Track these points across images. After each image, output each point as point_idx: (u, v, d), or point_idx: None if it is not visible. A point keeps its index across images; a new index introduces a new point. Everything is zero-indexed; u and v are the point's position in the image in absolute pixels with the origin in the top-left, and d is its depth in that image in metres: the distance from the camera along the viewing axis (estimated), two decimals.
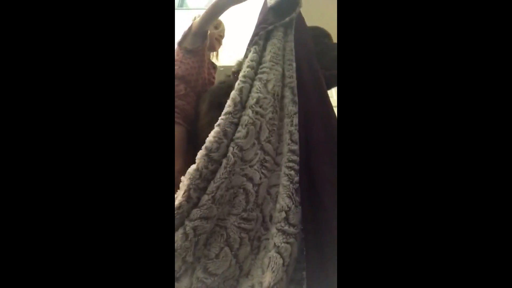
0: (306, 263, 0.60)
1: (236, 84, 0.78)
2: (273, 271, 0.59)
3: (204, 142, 0.70)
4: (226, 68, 1.11)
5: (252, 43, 0.86)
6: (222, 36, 1.32)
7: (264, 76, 0.79)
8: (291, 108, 0.78)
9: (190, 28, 1.17)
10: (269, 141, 0.74)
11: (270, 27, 0.87)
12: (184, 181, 0.67)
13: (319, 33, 1.01)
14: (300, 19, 0.93)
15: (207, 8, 1.13)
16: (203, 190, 0.67)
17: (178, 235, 0.63)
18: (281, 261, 0.60)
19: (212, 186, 0.66)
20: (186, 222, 0.65)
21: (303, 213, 0.65)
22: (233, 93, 0.76)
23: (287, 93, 0.81)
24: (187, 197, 0.65)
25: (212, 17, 1.13)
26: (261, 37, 0.86)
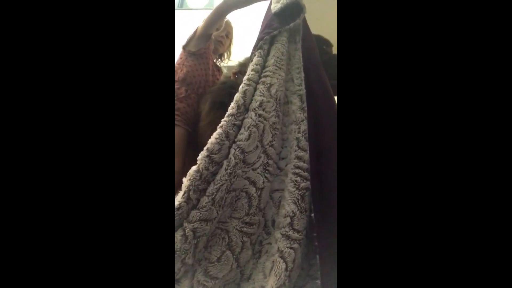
0: (320, 270, 0.60)
1: (240, 87, 0.78)
2: (276, 275, 0.59)
3: (205, 143, 0.70)
4: (229, 68, 1.11)
5: (257, 47, 0.86)
6: (223, 37, 1.31)
7: (267, 80, 0.80)
8: (299, 115, 0.79)
9: (195, 32, 1.18)
10: (271, 145, 0.74)
11: (275, 32, 0.88)
12: (185, 182, 0.66)
13: (320, 41, 1.01)
14: (305, 25, 0.94)
15: (211, 11, 1.13)
16: (203, 191, 0.66)
17: (178, 236, 0.62)
18: (284, 266, 0.60)
19: (212, 188, 0.66)
20: (185, 224, 0.64)
21: (316, 221, 0.65)
22: (237, 96, 0.76)
23: (295, 100, 0.81)
24: (187, 198, 0.65)
25: (215, 20, 1.14)
26: (266, 41, 0.87)
